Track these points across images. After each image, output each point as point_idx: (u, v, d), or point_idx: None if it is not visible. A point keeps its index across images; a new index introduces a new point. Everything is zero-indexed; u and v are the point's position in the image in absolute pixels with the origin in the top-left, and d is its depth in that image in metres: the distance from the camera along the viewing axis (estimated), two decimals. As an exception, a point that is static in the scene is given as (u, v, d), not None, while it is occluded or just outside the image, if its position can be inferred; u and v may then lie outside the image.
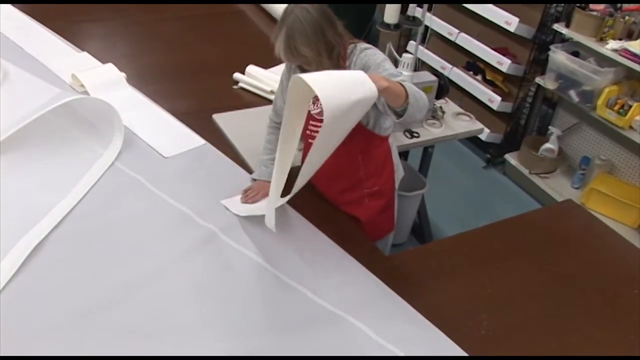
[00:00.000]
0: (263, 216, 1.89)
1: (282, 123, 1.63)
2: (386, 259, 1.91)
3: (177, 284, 1.69)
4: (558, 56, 3.42)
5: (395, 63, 2.57)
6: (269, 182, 1.94)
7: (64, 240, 1.80)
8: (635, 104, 3.10)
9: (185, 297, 1.66)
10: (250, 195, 2.02)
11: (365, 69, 1.77)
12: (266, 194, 1.95)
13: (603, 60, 3.27)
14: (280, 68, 2.93)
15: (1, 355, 1.41)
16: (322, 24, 1.73)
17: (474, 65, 4.12)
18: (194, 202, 1.99)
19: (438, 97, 2.57)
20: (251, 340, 1.55)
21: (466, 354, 1.53)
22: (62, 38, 3.00)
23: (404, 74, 2.44)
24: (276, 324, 1.61)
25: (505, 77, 3.93)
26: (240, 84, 2.78)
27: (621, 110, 3.15)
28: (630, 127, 3.16)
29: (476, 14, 3.93)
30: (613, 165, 3.54)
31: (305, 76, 1.40)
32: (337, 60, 1.80)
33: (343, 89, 1.44)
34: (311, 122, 1.94)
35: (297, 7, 1.72)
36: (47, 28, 3.07)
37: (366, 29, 3.37)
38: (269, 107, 2.60)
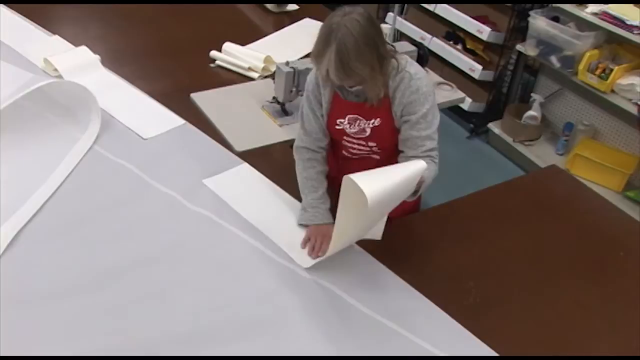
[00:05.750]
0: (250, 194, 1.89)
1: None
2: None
3: (163, 265, 1.67)
4: (538, 22, 3.40)
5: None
6: (326, 224, 1.78)
7: (46, 226, 1.77)
8: (616, 68, 3.10)
9: (172, 277, 1.64)
10: (317, 247, 1.73)
11: (408, 106, 1.66)
12: (328, 238, 1.70)
13: (583, 25, 3.26)
14: (259, 44, 2.90)
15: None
16: (374, 34, 1.53)
17: (453, 34, 4.09)
18: (176, 182, 1.96)
19: (418, 67, 2.54)
20: (242, 313, 1.54)
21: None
22: (32, 22, 2.93)
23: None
24: (267, 299, 1.59)
25: (486, 45, 3.91)
26: (218, 62, 2.73)
27: (602, 75, 3.15)
28: (612, 91, 3.16)
29: (454, -18, 3.90)
30: (596, 130, 3.55)
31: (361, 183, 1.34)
32: (387, 74, 1.64)
33: (393, 198, 1.45)
34: (345, 137, 1.82)
35: (345, 18, 1.51)
36: (15, 12, 3.00)
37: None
38: (248, 84, 2.59)
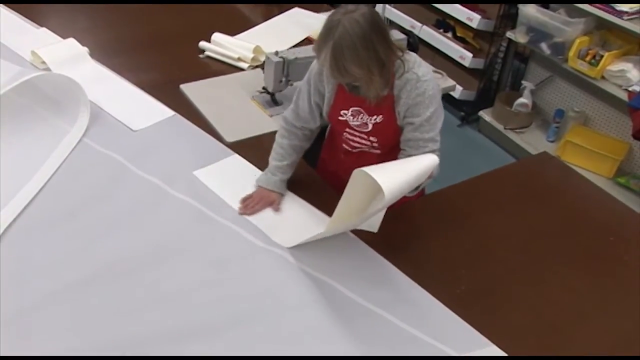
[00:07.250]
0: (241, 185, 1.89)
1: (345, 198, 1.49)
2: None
3: (153, 257, 1.66)
4: (528, 9, 3.40)
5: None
6: (274, 191, 1.85)
7: (36, 220, 1.76)
8: (606, 54, 3.10)
9: (162, 270, 1.63)
10: (250, 204, 1.82)
11: (413, 108, 1.64)
12: (267, 204, 1.83)
13: (573, 11, 3.27)
14: (248, 35, 2.89)
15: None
16: (373, 37, 1.48)
17: (443, 22, 4.09)
18: (167, 174, 1.95)
19: (408, 55, 2.53)
20: (235, 306, 1.54)
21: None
22: (19, 14, 2.90)
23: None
24: (256, 288, 1.60)
25: (476, 33, 3.91)
26: (207, 53, 2.72)
27: (593, 61, 3.15)
28: (603, 77, 3.17)
29: (444, -30, 3.89)
30: (587, 117, 3.56)
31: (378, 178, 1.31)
32: (388, 77, 1.61)
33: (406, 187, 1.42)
34: (347, 129, 1.81)
35: (345, 17, 1.47)
36: (2, 4, 2.97)
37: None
38: (237, 75, 2.58)
